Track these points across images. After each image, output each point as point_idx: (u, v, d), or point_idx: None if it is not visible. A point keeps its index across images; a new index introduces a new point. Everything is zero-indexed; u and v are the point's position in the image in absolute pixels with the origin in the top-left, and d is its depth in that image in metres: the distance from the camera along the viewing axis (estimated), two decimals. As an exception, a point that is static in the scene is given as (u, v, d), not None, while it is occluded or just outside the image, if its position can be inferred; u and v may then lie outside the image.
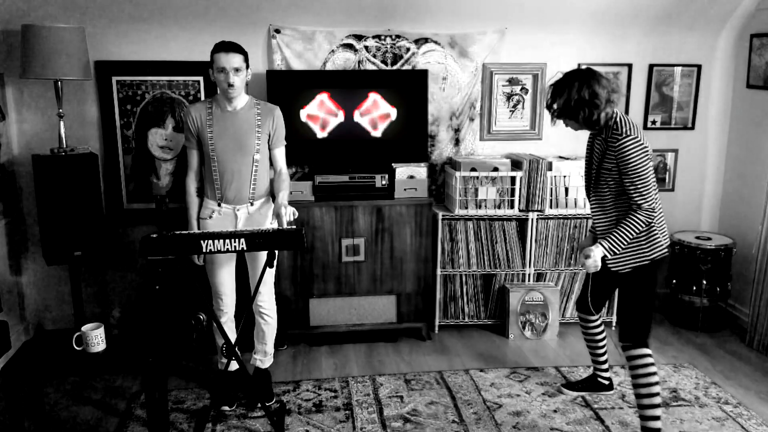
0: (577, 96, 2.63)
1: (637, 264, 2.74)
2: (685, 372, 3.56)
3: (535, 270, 4.08)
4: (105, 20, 3.70)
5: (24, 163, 3.76)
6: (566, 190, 4.00)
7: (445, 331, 4.10)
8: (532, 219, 3.99)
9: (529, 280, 4.09)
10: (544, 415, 3.14)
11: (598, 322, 3.20)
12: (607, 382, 3.32)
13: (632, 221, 2.64)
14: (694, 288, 4.04)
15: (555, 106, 2.72)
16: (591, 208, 2.91)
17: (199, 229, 3.14)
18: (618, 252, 2.70)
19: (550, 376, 3.53)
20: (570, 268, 4.09)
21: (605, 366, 3.30)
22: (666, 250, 2.76)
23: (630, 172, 2.60)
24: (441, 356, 3.77)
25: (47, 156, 3.39)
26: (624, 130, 2.63)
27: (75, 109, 3.79)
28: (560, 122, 2.81)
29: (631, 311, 2.83)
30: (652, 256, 2.73)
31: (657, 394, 2.78)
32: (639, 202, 2.62)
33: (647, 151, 2.62)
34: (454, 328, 4.14)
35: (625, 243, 2.67)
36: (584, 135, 4.29)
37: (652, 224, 2.69)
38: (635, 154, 2.59)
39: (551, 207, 4.01)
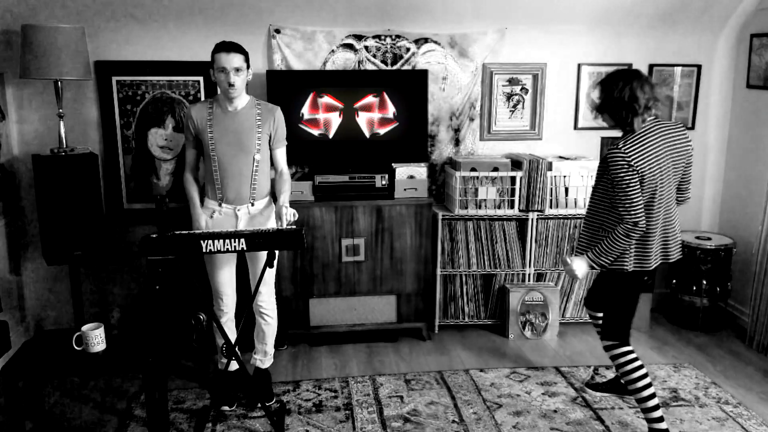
0: (618, 95, 2.62)
1: (616, 269, 2.78)
2: (685, 372, 3.56)
3: (535, 270, 4.08)
4: (105, 20, 3.70)
5: (24, 163, 3.75)
6: (566, 190, 4.00)
7: (445, 331, 4.10)
8: (532, 219, 3.99)
9: (529, 280, 4.09)
10: (544, 415, 3.14)
11: None
12: None
13: (614, 234, 2.67)
14: (694, 288, 4.04)
15: (597, 97, 2.75)
16: None
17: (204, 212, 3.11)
18: (606, 264, 2.73)
19: (550, 376, 3.53)
20: (570, 268, 4.09)
21: None
22: (640, 268, 2.76)
23: (615, 185, 2.63)
24: (441, 356, 3.77)
25: (47, 156, 3.39)
26: (623, 142, 2.62)
27: (75, 109, 3.79)
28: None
29: (608, 309, 2.91)
30: (622, 266, 2.75)
31: (648, 387, 2.80)
32: (622, 214, 2.64)
33: (632, 171, 2.58)
34: (454, 328, 4.14)
35: (610, 255, 2.70)
36: (582, 136, 4.32)
37: (633, 239, 2.68)
38: (618, 170, 2.60)
39: (551, 207, 4.01)
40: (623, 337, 2.86)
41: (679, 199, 2.87)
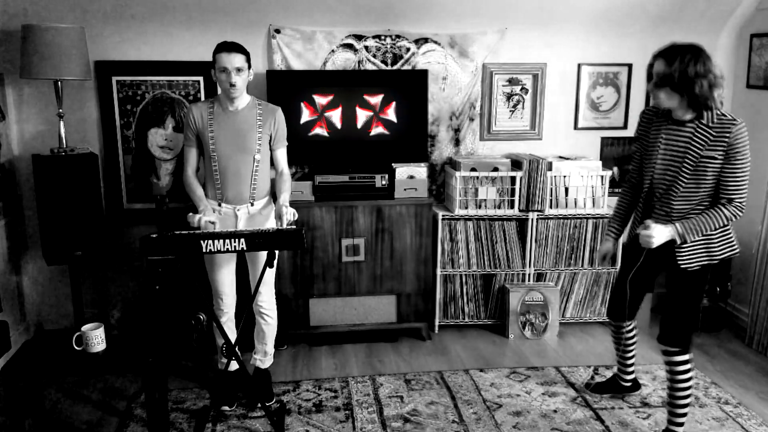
0: (694, 68, 2.39)
1: (707, 262, 2.60)
2: (685, 372, 3.57)
3: (535, 270, 4.08)
4: (105, 20, 3.70)
5: (24, 163, 3.76)
6: (566, 190, 4.00)
7: (445, 331, 4.10)
8: (532, 219, 3.99)
9: (529, 280, 4.09)
10: (544, 415, 3.14)
11: (632, 326, 3.09)
12: (629, 384, 3.27)
13: (719, 214, 2.50)
14: (694, 288, 4.04)
15: (664, 70, 2.45)
16: (665, 204, 2.64)
17: (208, 206, 3.08)
18: (690, 240, 2.54)
19: (550, 376, 3.53)
20: (570, 268, 4.09)
21: (631, 369, 3.24)
22: (737, 248, 2.63)
23: (737, 163, 2.46)
24: (441, 356, 3.77)
25: (47, 156, 3.39)
26: (734, 116, 2.47)
27: (75, 109, 3.79)
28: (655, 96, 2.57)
29: (685, 313, 2.67)
30: (721, 255, 2.60)
31: (690, 400, 2.79)
32: (733, 196, 2.48)
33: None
34: (454, 328, 4.14)
35: (702, 233, 2.52)
36: (582, 136, 4.32)
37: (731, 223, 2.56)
38: (747, 144, 2.46)
39: (551, 207, 4.01)
40: (690, 342, 2.70)
41: None
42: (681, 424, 2.83)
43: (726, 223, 2.52)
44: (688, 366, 2.72)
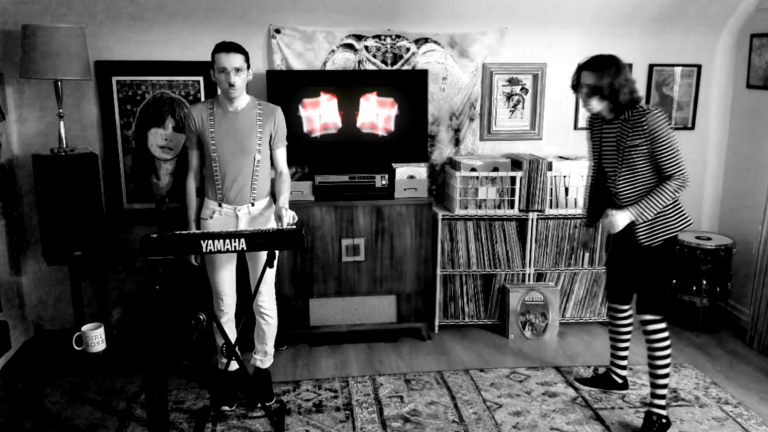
0: (618, 80, 2.76)
1: (667, 236, 2.85)
2: (685, 372, 3.56)
3: (535, 270, 4.08)
4: (105, 20, 3.70)
5: (24, 163, 3.75)
6: (566, 190, 4.00)
7: (445, 331, 4.10)
8: (532, 219, 3.99)
9: (529, 280, 4.09)
10: (544, 415, 3.14)
11: (628, 313, 3.23)
12: (621, 381, 3.34)
13: (665, 189, 2.76)
14: (694, 288, 4.04)
15: (593, 83, 2.81)
16: (614, 192, 2.96)
17: (198, 229, 3.13)
18: (647, 218, 2.81)
19: (550, 376, 3.53)
20: (570, 268, 4.09)
21: (623, 363, 3.34)
22: (691, 220, 2.91)
23: (661, 144, 2.73)
24: (441, 356, 3.78)
25: (47, 156, 3.39)
26: (647, 106, 2.79)
27: (75, 109, 3.79)
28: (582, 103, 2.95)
29: (655, 284, 2.93)
30: (679, 228, 2.86)
31: (669, 370, 2.96)
32: (671, 172, 2.74)
33: (670, 124, 2.78)
34: (454, 328, 4.14)
35: (656, 210, 2.79)
36: (582, 136, 4.32)
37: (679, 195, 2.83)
38: (663, 126, 2.73)
39: (551, 207, 4.01)
40: (665, 310, 2.94)
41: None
42: (662, 396, 2.94)
43: (673, 196, 2.79)
44: (665, 334, 2.93)
